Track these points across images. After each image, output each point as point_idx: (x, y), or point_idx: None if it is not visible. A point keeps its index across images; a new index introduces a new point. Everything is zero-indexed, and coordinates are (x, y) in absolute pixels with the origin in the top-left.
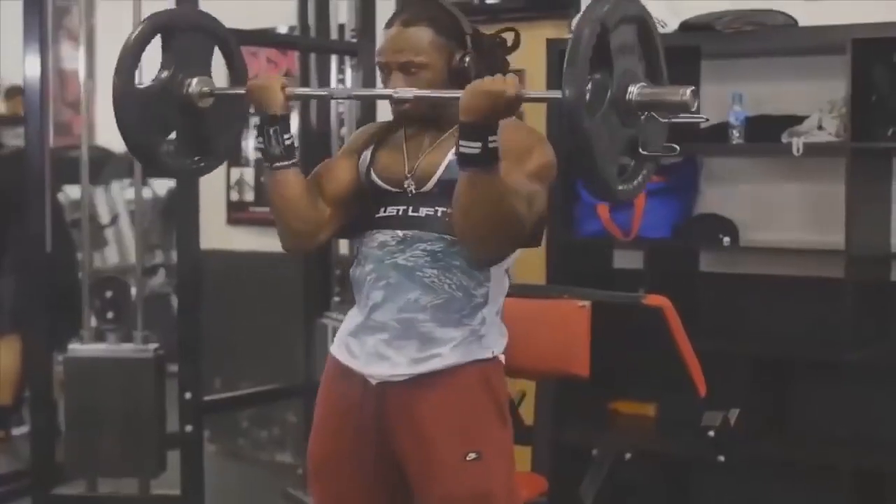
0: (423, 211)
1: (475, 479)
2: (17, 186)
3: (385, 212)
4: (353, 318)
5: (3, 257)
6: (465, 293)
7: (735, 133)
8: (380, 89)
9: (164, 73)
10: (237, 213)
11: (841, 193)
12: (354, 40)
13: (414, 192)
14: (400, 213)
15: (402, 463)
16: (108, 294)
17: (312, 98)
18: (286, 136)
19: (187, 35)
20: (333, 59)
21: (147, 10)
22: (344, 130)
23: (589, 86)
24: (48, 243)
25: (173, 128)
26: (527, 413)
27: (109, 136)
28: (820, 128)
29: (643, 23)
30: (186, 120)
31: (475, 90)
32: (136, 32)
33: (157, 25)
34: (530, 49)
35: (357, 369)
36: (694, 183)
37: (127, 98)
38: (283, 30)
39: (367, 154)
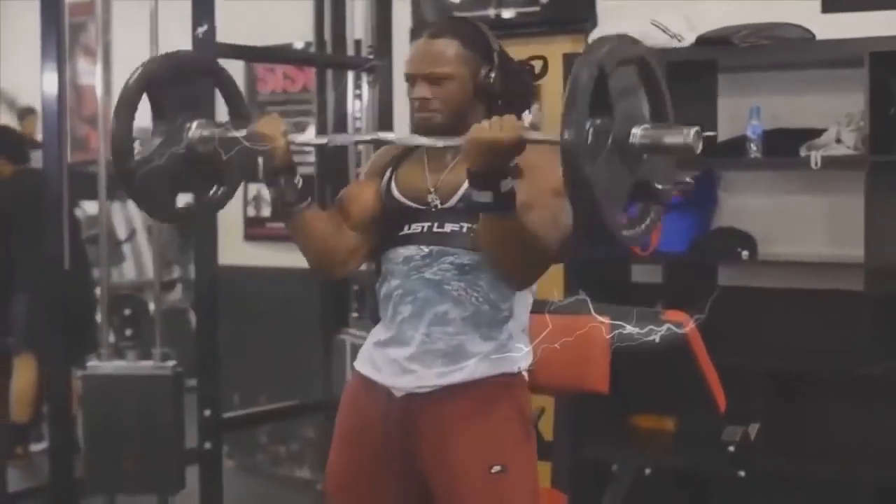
0: (448, 227)
1: (499, 493)
2: (31, 204)
3: (409, 228)
4: (379, 332)
5: (17, 275)
6: (492, 306)
7: (753, 147)
8: (383, 133)
9: (161, 124)
10: (254, 229)
11: (860, 206)
12: (371, 56)
13: (439, 206)
14: (425, 229)
15: (426, 475)
16: (127, 311)
17: (312, 145)
18: (296, 181)
19: (179, 79)
20: (350, 75)
21: (163, 26)
22: (360, 146)
23: (590, 129)
24: (66, 260)
25: (178, 173)
26: (546, 428)
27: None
28: (838, 141)
29: (644, 64)
30: (191, 164)
31: (474, 141)
32: (126, 89)
33: (145, 80)
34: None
35: (382, 382)
36: (712, 197)
37: (126, 161)
38: (299, 46)
39: (388, 173)
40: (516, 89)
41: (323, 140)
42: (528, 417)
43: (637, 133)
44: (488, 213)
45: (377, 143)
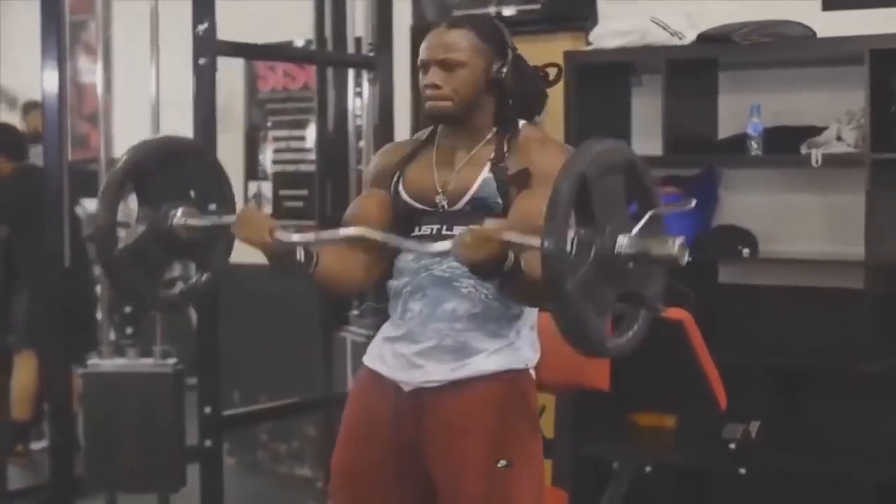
0: (457, 230)
1: (505, 487)
2: (31, 202)
3: (420, 230)
4: (389, 328)
5: (17, 273)
6: (502, 303)
7: (754, 144)
8: (362, 231)
9: (145, 213)
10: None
11: (860, 204)
12: (371, 54)
13: (447, 208)
14: (434, 232)
15: (432, 470)
16: (127, 309)
17: (299, 244)
18: (297, 258)
19: (162, 165)
20: (350, 73)
21: (163, 23)
22: (362, 143)
23: (574, 239)
24: (66, 258)
25: (164, 261)
26: (546, 426)
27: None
28: (839, 139)
29: (631, 169)
30: (175, 250)
31: (462, 256)
32: (110, 181)
33: (129, 168)
34: (547, 61)
35: (390, 377)
36: (713, 194)
37: (110, 252)
38: (299, 43)
39: (396, 176)
40: (528, 91)
41: (310, 238)
42: (535, 413)
43: (623, 243)
44: (501, 288)
45: (362, 242)
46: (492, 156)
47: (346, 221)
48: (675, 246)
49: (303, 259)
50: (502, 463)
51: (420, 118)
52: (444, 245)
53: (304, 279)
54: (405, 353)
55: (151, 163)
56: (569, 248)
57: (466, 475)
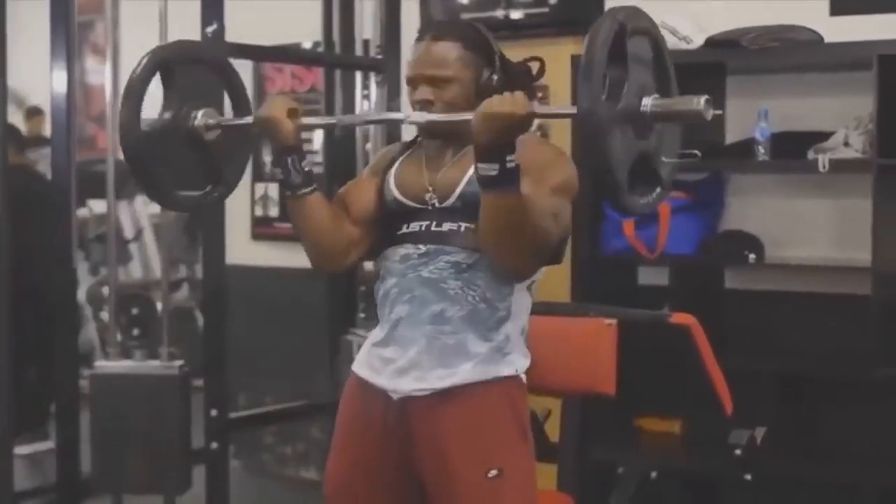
0: (446, 226)
1: (496, 497)
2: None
3: (408, 228)
4: (377, 333)
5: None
6: (489, 305)
7: (761, 149)
8: (391, 114)
9: (169, 109)
10: (261, 229)
11: (867, 210)
12: (379, 56)
13: (437, 205)
14: (422, 228)
15: (423, 479)
16: (134, 311)
17: (321, 127)
18: (303, 164)
19: (189, 68)
20: (358, 76)
21: (172, 24)
22: (369, 145)
23: (604, 97)
24: (74, 259)
25: (182, 162)
26: (552, 430)
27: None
28: (846, 144)
29: (654, 37)
30: (195, 153)
31: (486, 112)
32: (138, 71)
33: (158, 61)
34: (554, 65)
35: (379, 385)
36: (719, 199)
37: (134, 138)
38: (307, 45)
39: (389, 172)
40: (515, 89)
41: (332, 120)
42: (526, 421)
43: (648, 103)
44: (494, 188)
45: (386, 123)
46: None
47: (339, 196)
48: (700, 102)
49: (306, 170)
50: (493, 472)
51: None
52: (466, 115)
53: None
54: (393, 358)
55: (177, 63)
56: (603, 94)
57: (457, 485)
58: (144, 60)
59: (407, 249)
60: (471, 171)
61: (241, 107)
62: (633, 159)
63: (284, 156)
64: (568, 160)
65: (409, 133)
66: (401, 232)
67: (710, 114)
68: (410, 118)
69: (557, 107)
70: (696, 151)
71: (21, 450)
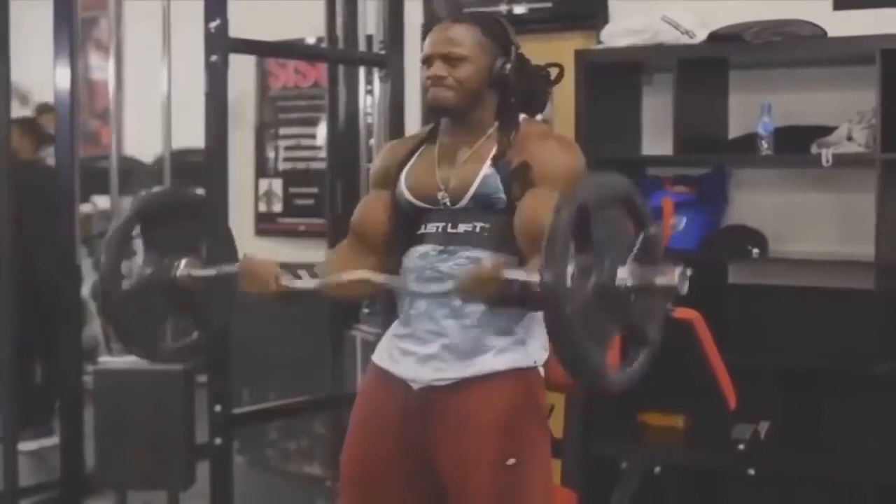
0: (462, 227)
1: (514, 485)
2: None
3: (425, 228)
4: (397, 326)
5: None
6: None
7: (764, 144)
8: (369, 274)
9: (150, 262)
10: (265, 224)
11: (870, 204)
12: (383, 51)
13: (450, 206)
14: (439, 229)
15: (441, 468)
16: None
17: (304, 291)
18: (299, 290)
19: (170, 216)
20: (361, 71)
21: (175, 20)
22: (372, 141)
23: (573, 272)
24: (77, 256)
25: (165, 312)
26: (556, 426)
27: (137, 146)
28: (849, 139)
29: (630, 201)
30: (178, 301)
31: (461, 287)
32: (118, 225)
33: (138, 214)
34: (558, 60)
35: (400, 375)
36: (722, 194)
37: (113, 299)
38: (311, 41)
39: (400, 175)
40: (531, 90)
41: (312, 285)
42: (544, 411)
43: (623, 275)
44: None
45: (365, 283)
46: (493, 151)
47: (353, 228)
48: (674, 276)
49: (308, 286)
50: (511, 461)
51: (423, 114)
52: (445, 286)
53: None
54: (414, 350)
55: (158, 212)
56: (569, 281)
57: (476, 474)
58: (124, 215)
59: (426, 248)
60: (483, 170)
61: (225, 251)
62: (607, 332)
63: (286, 306)
64: (573, 154)
65: (412, 131)
66: (419, 232)
67: (685, 288)
68: (392, 283)
69: (525, 272)
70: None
71: (26, 446)
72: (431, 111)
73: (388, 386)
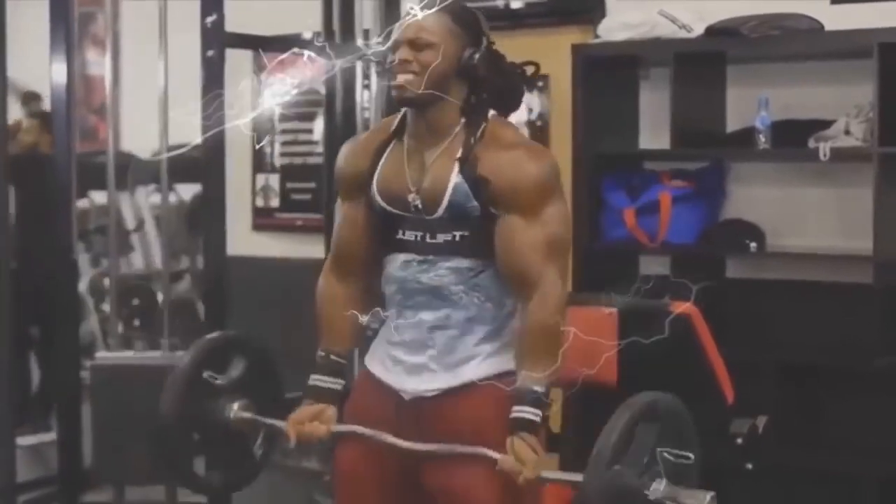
0: (441, 237)
1: (505, 489)
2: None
3: (404, 234)
4: (387, 333)
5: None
6: (495, 304)
7: (761, 138)
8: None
9: (211, 398)
10: (262, 220)
11: (868, 198)
12: (380, 46)
13: (424, 213)
14: (418, 238)
15: (432, 475)
16: (135, 302)
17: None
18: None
19: (235, 357)
20: (358, 66)
21: (172, 15)
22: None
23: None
24: (75, 251)
25: (208, 447)
26: (554, 421)
27: (134, 142)
28: (847, 132)
29: (682, 423)
30: (223, 439)
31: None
32: (184, 364)
33: (204, 355)
34: (555, 54)
35: (391, 384)
36: (720, 188)
37: (171, 432)
38: (307, 36)
39: (371, 180)
40: (503, 86)
41: (361, 430)
42: None
43: (656, 488)
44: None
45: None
46: (459, 153)
47: (336, 252)
48: (705, 499)
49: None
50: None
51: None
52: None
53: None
54: (403, 359)
55: (217, 355)
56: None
57: (467, 480)
58: (190, 354)
59: (407, 256)
60: (453, 178)
61: (275, 395)
62: None
63: None
64: (542, 164)
65: None
66: (398, 237)
67: None
68: (376, 436)
69: (565, 473)
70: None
71: (24, 441)
72: (397, 102)
73: (379, 393)
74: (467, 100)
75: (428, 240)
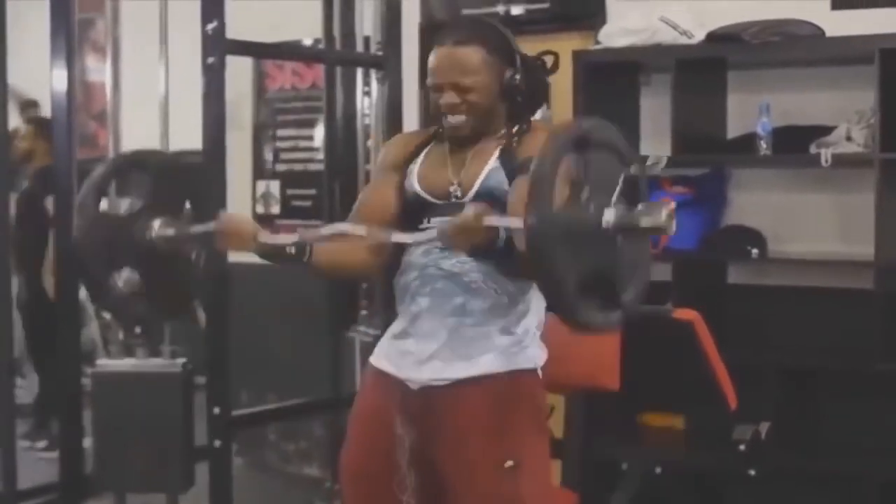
0: None
1: (511, 488)
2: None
3: (430, 222)
4: (396, 326)
5: None
6: (511, 298)
7: (763, 144)
8: (349, 227)
9: (131, 211)
10: (263, 226)
11: (870, 204)
12: (380, 53)
13: (458, 198)
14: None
15: (439, 468)
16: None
17: (285, 246)
18: (287, 251)
19: (152, 175)
20: (359, 72)
21: (172, 22)
22: (370, 142)
23: (558, 213)
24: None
25: (128, 264)
26: (556, 427)
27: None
28: (848, 138)
29: (611, 143)
30: (146, 261)
31: (444, 237)
32: (92, 182)
33: (118, 168)
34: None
35: (398, 375)
36: (722, 194)
37: (91, 222)
38: (308, 42)
39: (411, 166)
40: (534, 85)
41: (291, 239)
42: (544, 413)
43: (609, 216)
44: (500, 267)
45: (345, 237)
46: (502, 146)
47: (359, 209)
48: (662, 215)
49: (293, 252)
50: (509, 463)
51: (422, 117)
52: (427, 234)
53: (306, 272)
54: (413, 349)
55: (130, 171)
56: (553, 224)
57: (474, 475)
58: (98, 171)
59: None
60: (491, 163)
61: (203, 211)
62: (594, 274)
63: (262, 257)
64: None
65: (409, 127)
66: (423, 227)
67: (672, 228)
68: (374, 237)
69: (508, 218)
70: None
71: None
72: (452, 137)
73: (386, 387)
74: (509, 110)
75: None
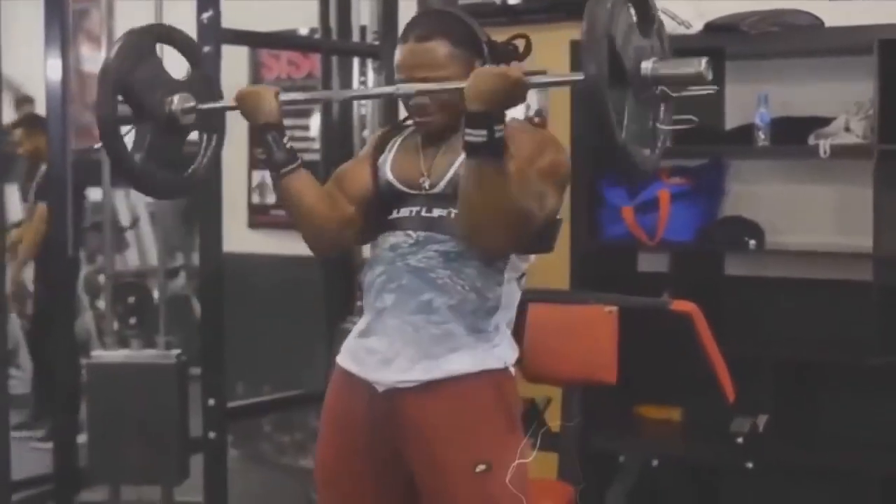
0: (436, 212)
1: (484, 492)
2: None
3: (398, 213)
4: (362, 324)
5: None
6: (479, 294)
7: (761, 135)
8: (382, 88)
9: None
10: (258, 217)
11: (868, 196)
12: (376, 42)
13: (427, 189)
14: (413, 213)
15: (411, 470)
16: (130, 299)
17: (309, 102)
18: (285, 141)
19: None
20: (355, 62)
21: (167, 11)
22: (366, 132)
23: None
24: (71, 248)
25: (178, 149)
26: (553, 420)
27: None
28: (847, 129)
29: (643, 4)
30: (164, 135)
31: (480, 74)
32: (112, 57)
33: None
34: (553, 51)
35: (363, 377)
36: (719, 185)
37: (111, 128)
38: (304, 32)
39: (384, 157)
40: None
41: (319, 96)
42: (517, 414)
43: (648, 66)
44: (479, 155)
45: (378, 97)
46: None
47: (336, 175)
48: (700, 64)
49: (288, 147)
50: (481, 467)
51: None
52: (460, 83)
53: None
54: (378, 348)
55: (144, 53)
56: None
57: (446, 480)
58: (117, 47)
59: (397, 238)
60: (462, 156)
61: (212, 93)
62: (637, 122)
63: (265, 133)
64: (559, 146)
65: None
66: (392, 217)
67: (710, 75)
68: (401, 90)
69: (561, 74)
70: (693, 117)
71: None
72: (421, 136)
73: (352, 389)
74: None
75: (423, 214)
